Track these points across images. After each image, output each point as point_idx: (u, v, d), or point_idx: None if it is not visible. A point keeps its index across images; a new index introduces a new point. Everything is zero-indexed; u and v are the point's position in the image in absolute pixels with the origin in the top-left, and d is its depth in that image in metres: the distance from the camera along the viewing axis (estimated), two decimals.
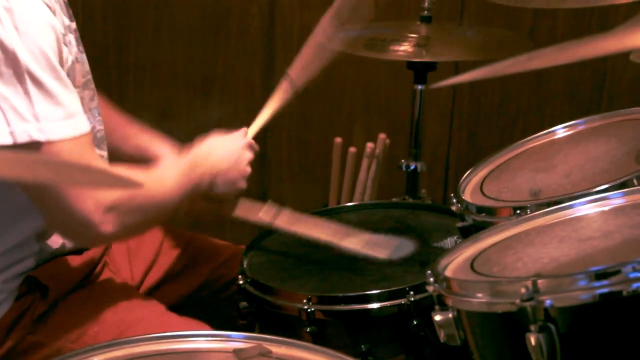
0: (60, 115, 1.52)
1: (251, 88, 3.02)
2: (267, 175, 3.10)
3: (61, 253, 1.74)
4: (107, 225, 1.58)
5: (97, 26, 3.05)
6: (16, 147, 1.49)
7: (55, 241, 1.73)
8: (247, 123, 1.95)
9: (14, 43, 1.48)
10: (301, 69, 1.98)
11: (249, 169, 1.87)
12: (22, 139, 1.50)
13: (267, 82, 3.01)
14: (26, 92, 1.49)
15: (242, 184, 1.86)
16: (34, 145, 1.50)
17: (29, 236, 1.68)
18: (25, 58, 1.49)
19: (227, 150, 1.84)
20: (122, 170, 1.63)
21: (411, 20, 2.34)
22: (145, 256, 1.97)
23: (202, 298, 2.02)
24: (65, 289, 1.73)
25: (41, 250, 1.71)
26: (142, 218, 1.67)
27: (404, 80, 2.46)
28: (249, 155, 1.87)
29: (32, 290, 1.70)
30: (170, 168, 1.77)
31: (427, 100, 2.44)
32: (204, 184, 1.79)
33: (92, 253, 1.81)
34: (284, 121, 3.04)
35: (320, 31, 1.98)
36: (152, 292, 1.96)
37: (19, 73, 1.49)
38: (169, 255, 2.01)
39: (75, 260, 1.76)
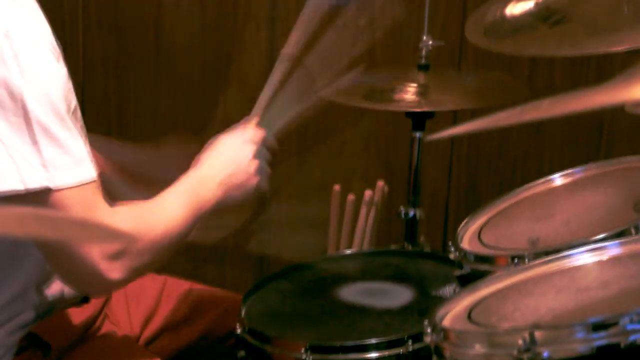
0: (68, 162, 1.52)
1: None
2: (266, 222, 3.10)
3: (60, 303, 1.73)
4: (115, 272, 1.56)
5: (98, 77, 3.07)
6: (27, 194, 1.49)
7: (54, 290, 1.72)
8: None
9: (21, 90, 1.48)
10: (294, 44, 1.96)
11: (254, 165, 1.79)
12: (32, 186, 1.49)
13: None
14: (34, 140, 1.49)
15: (254, 183, 1.79)
16: (43, 192, 1.50)
17: (27, 287, 1.67)
18: (33, 105, 1.49)
19: (231, 154, 1.78)
20: (122, 212, 1.63)
21: (409, 68, 2.35)
22: (145, 307, 1.96)
23: (203, 348, 2.01)
24: (67, 345, 1.72)
25: (40, 301, 1.70)
26: (151, 256, 1.63)
27: (403, 127, 2.47)
28: (250, 151, 1.80)
29: (32, 345, 1.69)
30: (175, 194, 1.69)
31: (425, 148, 2.45)
32: (216, 199, 1.74)
33: (92, 305, 1.80)
34: (284, 169, 3.05)
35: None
36: (152, 343, 1.95)
37: (27, 121, 1.49)
38: (169, 306, 2.00)
39: (75, 314, 1.75)
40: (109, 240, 1.33)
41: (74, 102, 1.64)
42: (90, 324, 1.78)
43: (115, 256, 1.55)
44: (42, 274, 1.69)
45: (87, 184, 1.54)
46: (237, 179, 1.77)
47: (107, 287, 1.67)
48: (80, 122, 1.72)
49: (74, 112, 1.64)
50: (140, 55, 3.09)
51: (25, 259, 1.64)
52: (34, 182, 1.49)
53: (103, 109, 3.08)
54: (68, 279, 1.65)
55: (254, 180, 1.79)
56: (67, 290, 1.74)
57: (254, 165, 1.79)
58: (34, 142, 1.49)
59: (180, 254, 3.00)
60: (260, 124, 1.85)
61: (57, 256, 1.57)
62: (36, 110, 1.49)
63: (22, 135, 1.49)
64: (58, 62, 1.57)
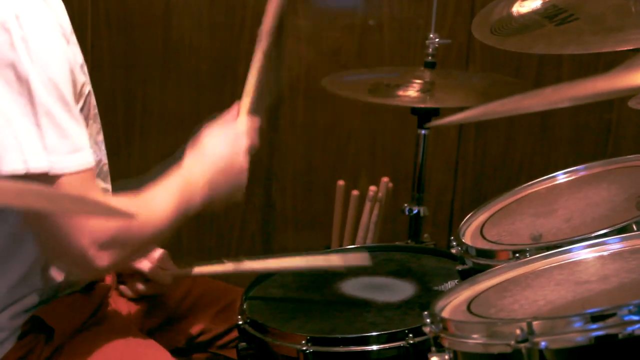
0: (67, 148, 1.52)
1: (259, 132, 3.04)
2: (271, 219, 3.11)
3: (65, 288, 1.74)
4: (102, 260, 1.57)
5: (106, 71, 3.08)
6: (27, 176, 1.49)
7: (59, 274, 1.72)
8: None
9: (28, 72, 1.49)
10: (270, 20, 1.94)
11: (246, 161, 1.79)
12: (34, 168, 1.49)
13: (274, 126, 3.03)
14: (38, 123, 1.50)
15: (244, 177, 1.79)
16: (42, 176, 1.50)
17: (32, 269, 1.68)
18: (38, 88, 1.49)
19: (222, 150, 1.77)
20: (116, 200, 1.63)
21: (416, 66, 2.36)
22: (147, 298, 1.96)
23: (205, 341, 2.01)
24: (70, 331, 1.72)
25: (44, 285, 1.70)
26: (137, 248, 1.66)
27: (409, 124, 2.48)
28: (244, 144, 1.80)
29: (35, 330, 1.69)
30: (166, 190, 1.69)
31: (432, 148, 2.45)
32: (205, 195, 1.73)
33: (97, 293, 1.80)
34: (289, 165, 3.06)
35: None
36: (153, 335, 1.95)
37: (32, 103, 1.49)
38: (172, 298, 2.00)
39: (80, 300, 1.76)
40: (108, 216, 1.33)
41: (88, 86, 1.65)
42: (94, 312, 1.78)
43: (104, 245, 1.56)
44: (44, 257, 1.69)
45: (84, 171, 1.55)
46: (228, 175, 1.77)
47: (93, 273, 1.69)
48: (95, 109, 1.73)
49: (88, 96, 1.65)
50: (148, 53, 3.11)
51: (29, 241, 1.65)
52: (36, 164, 1.50)
53: (111, 105, 3.09)
54: (55, 261, 1.67)
55: (245, 175, 1.80)
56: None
57: (246, 160, 1.80)
58: (38, 125, 1.50)
59: (185, 251, 3.03)
60: (251, 110, 1.86)
61: (48, 239, 1.58)
62: (41, 93, 1.50)
63: (27, 117, 1.50)
64: (68, 44, 1.58)
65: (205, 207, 1.75)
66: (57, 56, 1.54)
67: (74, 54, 1.61)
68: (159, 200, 1.67)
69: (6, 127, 1.49)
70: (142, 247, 1.68)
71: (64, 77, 1.54)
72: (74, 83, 1.58)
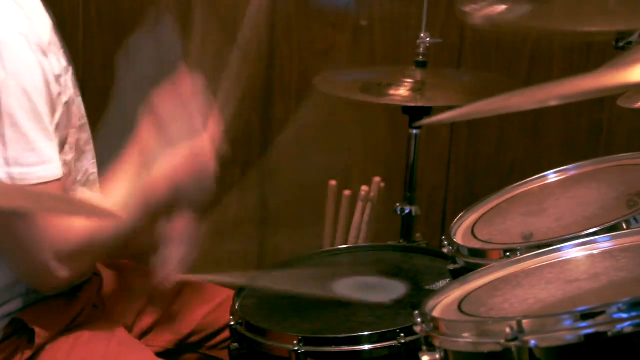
0: (32, 160, 1.53)
1: (249, 136, 3.04)
2: (265, 220, 3.11)
3: (50, 295, 1.74)
4: (64, 271, 1.61)
5: (97, 72, 3.08)
6: None
7: None
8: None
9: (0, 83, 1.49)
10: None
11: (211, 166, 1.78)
12: None
13: (266, 130, 3.03)
14: (2, 133, 1.50)
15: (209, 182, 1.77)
16: None
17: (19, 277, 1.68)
18: (8, 99, 1.50)
19: (189, 163, 1.76)
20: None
21: (407, 65, 2.36)
22: (138, 300, 1.96)
23: (196, 341, 2.01)
24: (52, 333, 1.72)
25: (29, 291, 1.70)
26: (96, 256, 1.70)
27: (400, 124, 2.48)
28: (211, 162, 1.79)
29: (18, 332, 1.69)
30: (127, 195, 1.69)
31: (424, 148, 2.45)
32: (166, 198, 1.73)
33: (83, 296, 1.80)
34: (281, 165, 3.05)
35: None
36: (145, 335, 1.95)
37: None
38: (162, 299, 2.00)
39: (63, 304, 1.76)
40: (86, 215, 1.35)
41: (64, 97, 1.64)
42: (79, 313, 1.78)
43: (65, 257, 1.59)
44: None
45: (50, 183, 1.56)
46: (191, 170, 1.77)
47: (54, 284, 1.69)
48: (82, 120, 1.73)
49: (66, 106, 1.64)
50: None
51: None
52: None
53: (102, 104, 3.08)
54: (18, 272, 1.67)
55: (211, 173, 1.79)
56: None
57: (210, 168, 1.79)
58: (1, 135, 1.50)
59: None
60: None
61: (10, 252, 1.60)
62: (10, 103, 1.50)
63: None
64: (46, 56, 1.58)
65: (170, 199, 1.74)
66: (31, 65, 1.53)
67: (50, 66, 1.60)
68: (119, 202, 1.67)
69: None
70: (103, 253, 1.72)
71: (37, 88, 1.53)
72: (50, 95, 1.57)
